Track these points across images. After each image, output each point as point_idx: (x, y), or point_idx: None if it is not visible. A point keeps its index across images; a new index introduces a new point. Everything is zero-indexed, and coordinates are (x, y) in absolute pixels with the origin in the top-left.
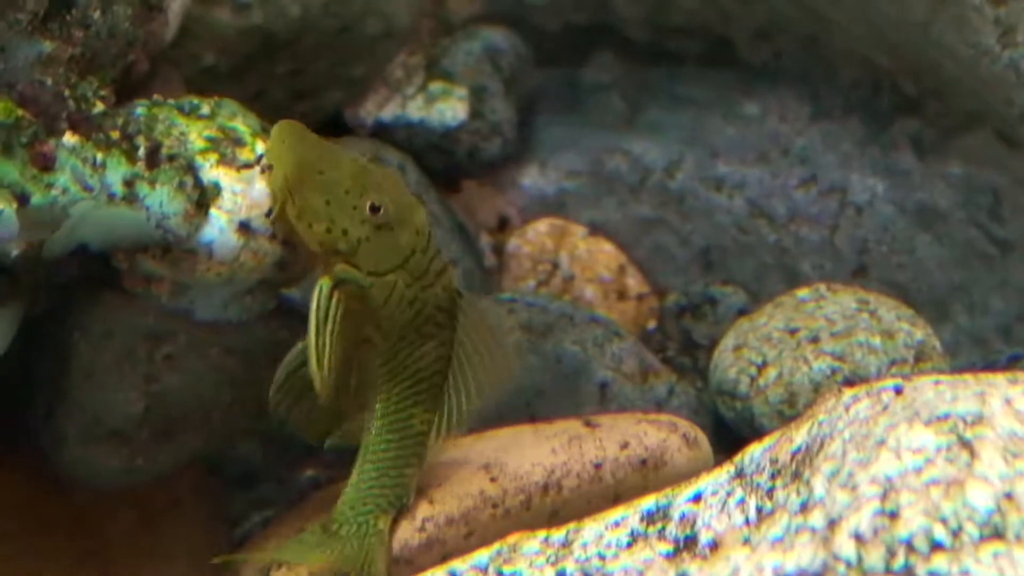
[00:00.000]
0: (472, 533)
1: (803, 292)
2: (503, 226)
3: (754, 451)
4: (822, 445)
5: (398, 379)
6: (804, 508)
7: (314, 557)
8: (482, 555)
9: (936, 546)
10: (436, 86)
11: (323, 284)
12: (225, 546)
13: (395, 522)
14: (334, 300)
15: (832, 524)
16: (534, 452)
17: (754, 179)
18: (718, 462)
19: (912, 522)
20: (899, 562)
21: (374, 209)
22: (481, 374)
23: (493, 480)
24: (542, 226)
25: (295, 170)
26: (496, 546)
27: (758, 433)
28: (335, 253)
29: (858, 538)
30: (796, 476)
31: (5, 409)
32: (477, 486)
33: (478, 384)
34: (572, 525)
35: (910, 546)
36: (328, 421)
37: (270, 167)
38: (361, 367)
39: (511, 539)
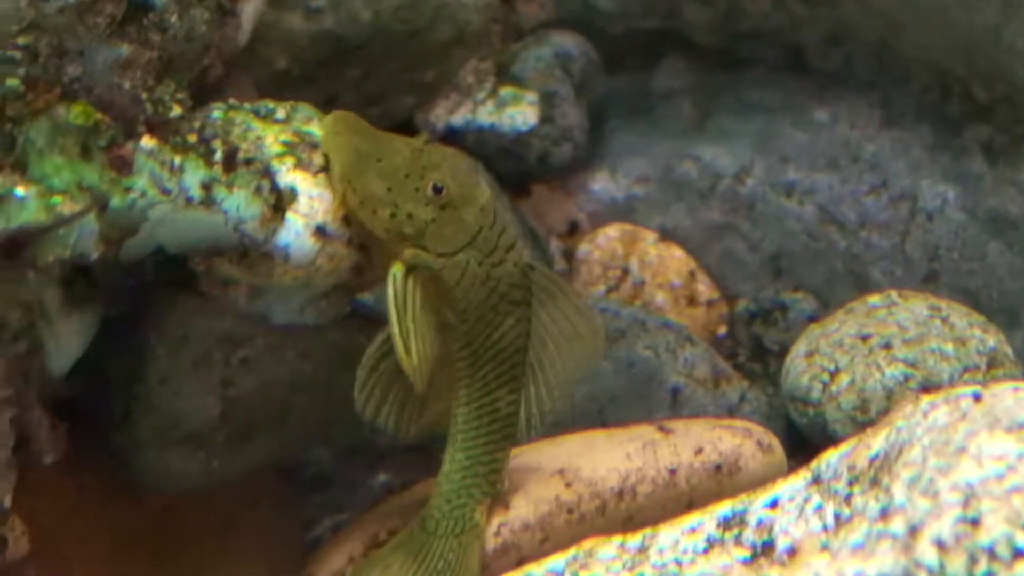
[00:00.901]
0: (547, 538)
1: (874, 298)
2: (573, 231)
3: (831, 457)
4: (901, 452)
5: (480, 362)
6: (884, 515)
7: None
8: (558, 560)
9: (1018, 553)
10: (506, 91)
11: (396, 272)
12: (298, 550)
13: (490, 508)
14: (410, 285)
15: (913, 531)
16: (609, 457)
17: (824, 185)
18: (790, 468)
19: (994, 529)
20: (981, 569)
21: (436, 190)
22: (565, 348)
23: (568, 485)
24: (612, 231)
25: (352, 158)
26: (572, 551)
27: (830, 439)
28: (402, 238)
29: (940, 545)
30: (875, 483)
31: (82, 411)
32: (552, 491)
33: (563, 358)
34: (648, 530)
35: (992, 553)
36: (418, 413)
37: (326, 159)
38: (442, 354)
39: (587, 544)
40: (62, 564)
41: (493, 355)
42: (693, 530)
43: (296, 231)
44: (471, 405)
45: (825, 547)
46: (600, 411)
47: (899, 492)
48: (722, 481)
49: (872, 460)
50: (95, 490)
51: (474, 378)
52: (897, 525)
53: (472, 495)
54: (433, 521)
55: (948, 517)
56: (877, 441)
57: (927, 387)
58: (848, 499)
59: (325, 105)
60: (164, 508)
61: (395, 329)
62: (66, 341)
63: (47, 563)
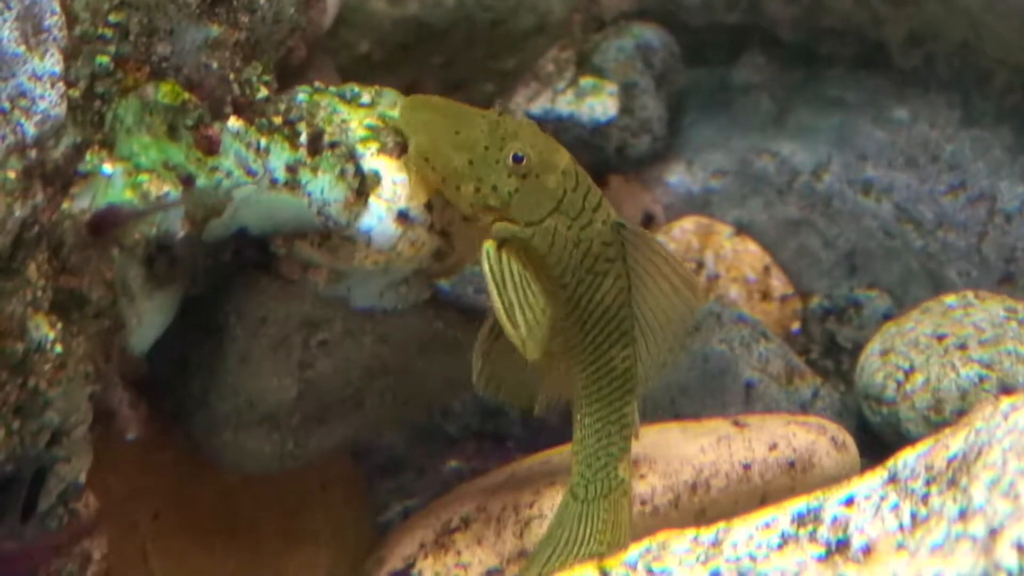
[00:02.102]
0: None
1: (951, 299)
2: (648, 223)
3: (908, 456)
4: (980, 453)
5: (588, 325)
6: (963, 516)
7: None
8: (632, 552)
9: None
10: (587, 81)
11: (488, 248)
12: (368, 534)
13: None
14: (504, 258)
15: (993, 533)
16: (683, 450)
17: (902, 184)
18: (863, 467)
19: None
20: None
21: (517, 159)
22: (664, 300)
23: (642, 477)
24: (688, 224)
25: (429, 136)
26: (645, 543)
27: (903, 438)
28: (488, 211)
29: (1020, 548)
30: (953, 483)
31: (161, 390)
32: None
33: (664, 311)
34: (721, 524)
35: None
36: (540, 387)
37: (403, 139)
38: (550, 322)
39: (660, 537)
40: (135, 540)
41: (599, 316)
42: (767, 525)
43: (379, 216)
44: (588, 369)
45: (902, 546)
46: (672, 403)
47: (978, 494)
48: (796, 477)
49: (950, 461)
50: (170, 469)
51: (585, 342)
52: (977, 527)
53: (611, 454)
54: (582, 488)
55: None
56: (956, 442)
57: (1003, 389)
58: (925, 499)
59: (406, 91)
60: (237, 488)
61: (498, 304)
62: (147, 319)
63: (120, 539)
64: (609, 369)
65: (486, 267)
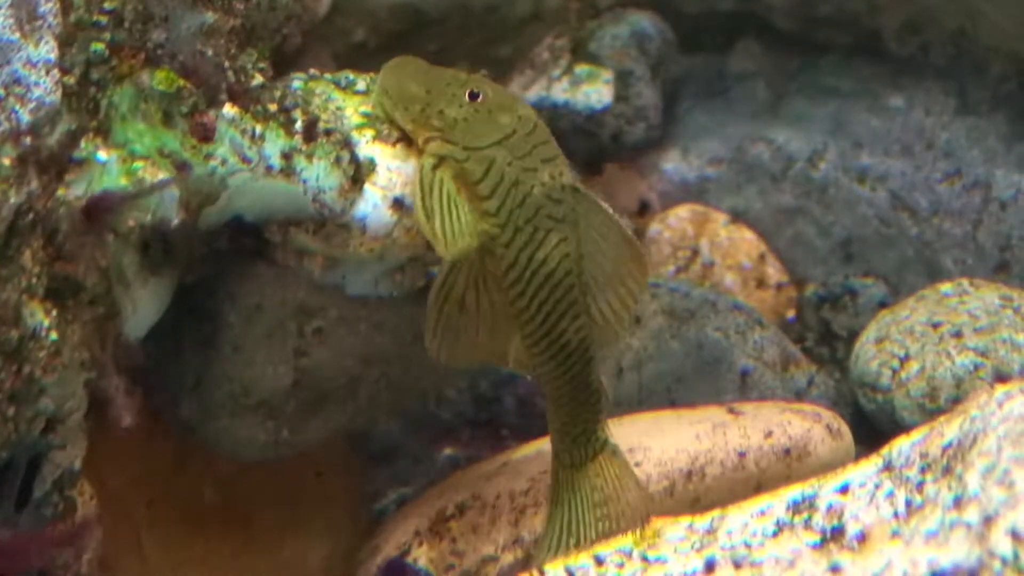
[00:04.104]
0: None
1: (946, 287)
2: (644, 211)
3: (902, 444)
4: (975, 441)
5: (530, 288)
6: (958, 503)
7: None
8: (627, 539)
9: None
10: (582, 69)
11: (424, 162)
12: (364, 522)
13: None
14: (438, 174)
15: (988, 520)
16: (678, 438)
17: (897, 172)
18: (858, 454)
19: None
20: None
21: (473, 95)
22: (612, 274)
23: (637, 465)
24: (683, 212)
25: (396, 76)
26: (640, 531)
27: (898, 426)
28: (430, 130)
29: (1015, 535)
30: (947, 471)
31: (155, 377)
32: None
33: (612, 285)
34: (716, 512)
35: None
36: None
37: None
38: (487, 283)
39: (655, 524)
40: (130, 528)
41: (543, 279)
42: (762, 513)
43: (374, 203)
44: (540, 343)
45: (896, 534)
46: (668, 391)
47: (973, 481)
48: (791, 465)
49: (945, 448)
50: (165, 456)
51: (530, 309)
52: (971, 514)
53: (587, 420)
54: (567, 456)
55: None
56: (950, 429)
57: (997, 376)
58: (920, 487)
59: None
60: (232, 476)
61: (419, 207)
62: (142, 306)
63: (115, 527)
64: (563, 344)
65: (417, 178)
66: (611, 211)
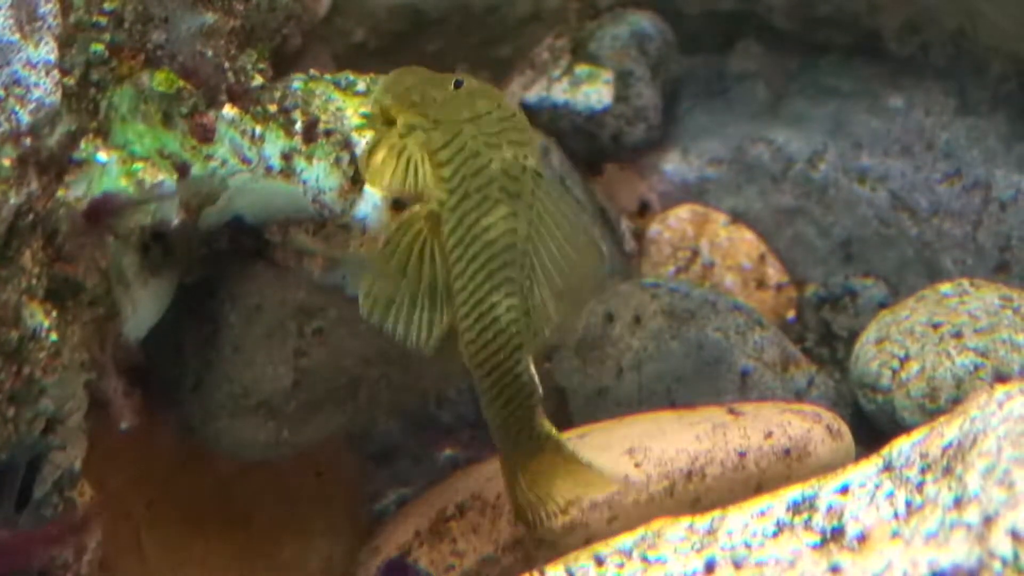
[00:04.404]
0: (615, 518)
1: (946, 287)
2: (644, 211)
3: (902, 444)
4: (975, 441)
5: (469, 254)
6: (958, 504)
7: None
8: (626, 540)
9: None
10: (582, 69)
11: (393, 131)
12: (364, 522)
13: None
14: (404, 141)
15: (988, 521)
16: (678, 438)
17: (897, 172)
18: (858, 454)
19: None
20: None
21: (458, 83)
22: (565, 262)
23: (637, 466)
24: (683, 212)
25: (396, 76)
26: (640, 531)
27: (898, 426)
28: (408, 106)
29: (1015, 535)
30: (948, 471)
31: (155, 378)
32: (621, 471)
33: (564, 274)
34: (716, 513)
35: None
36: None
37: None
38: (434, 254)
39: (655, 525)
40: (130, 529)
41: (482, 246)
42: (763, 514)
43: (374, 203)
44: (469, 317)
45: (896, 534)
46: (668, 391)
47: (973, 481)
48: (791, 465)
49: (945, 449)
50: (165, 457)
51: (465, 275)
52: (971, 514)
53: (521, 415)
54: (508, 448)
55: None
56: (950, 430)
57: (997, 377)
58: (920, 487)
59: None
60: (232, 476)
61: (364, 149)
62: (142, 307)
63: (115, 527)
64: (493, 319)
65: (372, 141)
66: (571, 202)
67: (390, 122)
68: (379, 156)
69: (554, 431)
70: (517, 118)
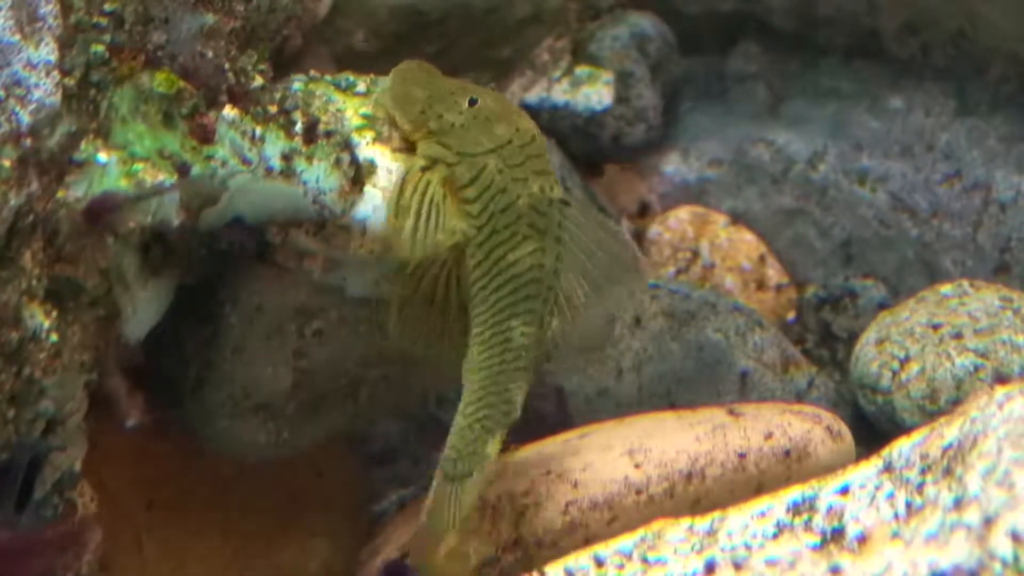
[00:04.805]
0: (615, 519)
1: (946, 288)
2: (644, 212)
3: (902, 445)
4: (975, 442)
5: (493, 285)
6: (958, 505)
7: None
8: (626, 540)
9: None
10: (582, 70)
11: (415, 163)
12: (363, 523)
13: (504, 442)
14: (427, 176)
15: (988, 522)
16: (678, 439)
17: (897, 173)
18: (858, 455)
19: None
20: None
21: (472, 102)
22: (602, 278)
23: (637, 466)
24: (683, 213)
25: (401, 80)
26: (640, 532)
27: (898, 427)
28: (426, 134)
29: (1015, 537)
30: (948, 472)
31: (156, 379)
32: (621, 471)
33: (591, 301)
34: (717, 514)
35: None
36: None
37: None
38: (459, 281)
39: (655, 526)
40: (130, 529)
41: (507, 279)
42: (763, 515)
43: (374, 204)
44: (483, 335)
45: (897, 535)
46: (668, 393)
47: (973, 482)
48: (791, 467)
49: (945, 450)
50: (165, 457)
51: (486, 303)
52: (971, 516)
53: (485, 427)
54: (451, 464)
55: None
56: (951, 431)
57: (998, 378)
58: (920, 488)
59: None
60: (232, 477)
61: (392, 201)
62: (143, 308)
63: (115, 528)
64: (505, 339)
65: (404, 175)
66: (603, 218)
67: (405, 140)
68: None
69: (492, 456)
70: (536, 142)
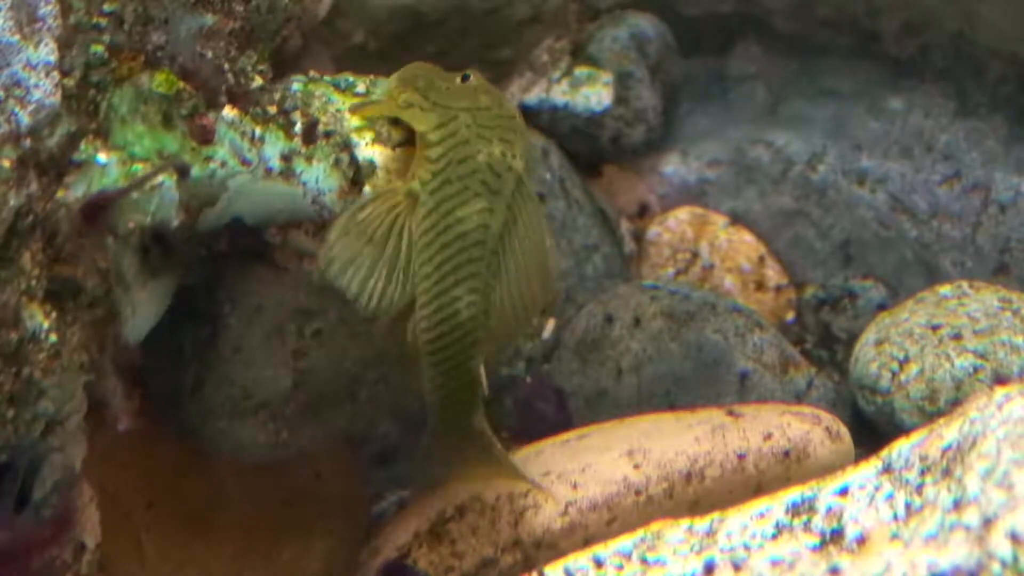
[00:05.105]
0: (615, 519)
1: (945, 289)
2: (643, 213)
3: (902, 446)
4: (974, 443)
5: (439, 241)
6: (957, 506)
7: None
8: (625, 541)
9: None
10: (581, 71)
11: (393, 102)
12: (363, 524)
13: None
14: (402, 113)
15: (987, 523)
16: (677, 440)
17: (897, 174)
18: (858, 456)
19: None
20: None
21: (465, 77)
22: (524, 275)
23: (637, 467)
24: (683, 214)
25: (410, 68)
26: (640, 533)
27: (897, 428)
28: (413, 90)
29: (1014, 537)
30: (947, 473)
31: (155, 379)
32: (621, 472)
33: (521, 283)
34: (716, 514)
35: None
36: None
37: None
38: (407, 234)
39: (654, 526)
40: (129, 530)
41: (454, 237)
42: (762, 515)
43: None
44: (429, 306)
45: (896, 536)
46: (667, 393)
47: (973, 483)
48: (790, 467)
49: (945, 451)
50: (164, 458)
51: (432, 263)
52: (971, 516)
53: (460, 408)
54: (441, 444)
55: (1023, 509)
56: (950, 432)
57: (997, 379)
58: (920, 489)
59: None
60: (232, 477)
61: (352, 213)
62: (142, 309)
63: (114, 529)
64: (452, 312)
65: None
66: (544, 217)
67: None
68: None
69: (488, 430)
70: (515, 120)
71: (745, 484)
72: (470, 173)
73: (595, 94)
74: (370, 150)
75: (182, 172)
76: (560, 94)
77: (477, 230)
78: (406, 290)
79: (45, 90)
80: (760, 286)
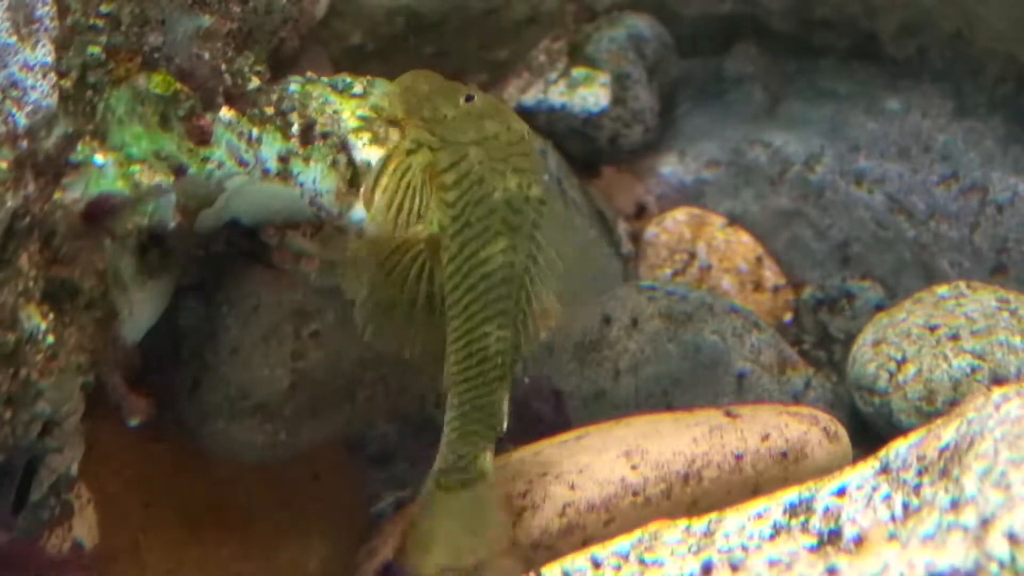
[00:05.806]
0: (612, 520)
1: (943, 289)
2: (640, 214)
3: (899, 447)
4: (972, 443)
5: (465, 283)
6: (955, 506)
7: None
8: (623, 542)
9: None
10: (579, 72)
11: (400, 145)
12: (361, 525)
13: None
14: (410, 159)
15: (985, 523)
16: (675, 441)
17: (894, 174)
18: (855, 457)
19: None
20: None
21: (468, 98)
22: (567, 281)
23: (634, 468)
24: (680, 215)
25: (410, 78)
26: (637, 533)
27: (895, 428)
28: (419, 120)
29: (1012, 538)
30: (944, 473)
31: (153, 380)
32: (618, 473)
33: (563, 291)
34: (714, 515)
35: None
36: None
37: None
38: (433, 275)
39: (652, 527)
40: (127, 531)
41: (479, 278)
42: (759, 516)
43: None
44: (459, 342)
45: (893, 536)
46: (665, 394)
47: (970, 484)
48: (788, 468)
49: (942, 451)
50: (162, 459)
51: (460, 304)
52: (968, 517)
53: (474, 443)
54: (443, 476)
55: (1021, 510)
56: (948, 432)
57: (995, 379)
58: (917, 489)
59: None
60: (230, 478)
61: (373, 175)
62: (140, 310)
63: (111, 530)
64: (481, 347)
65: (387, 156)
66: (567, 232)
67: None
68: (384, 180)
69: (491, 472)
70: (525, 142)
71: (743, 485)
72: (489, 213)
73: (592, 95)
74: (368, 151)
75: (179, 173)
76: (558, 95)
77: (502, 268)
78: (441, 333)
79: (42, 91)
80: (758, 287)
